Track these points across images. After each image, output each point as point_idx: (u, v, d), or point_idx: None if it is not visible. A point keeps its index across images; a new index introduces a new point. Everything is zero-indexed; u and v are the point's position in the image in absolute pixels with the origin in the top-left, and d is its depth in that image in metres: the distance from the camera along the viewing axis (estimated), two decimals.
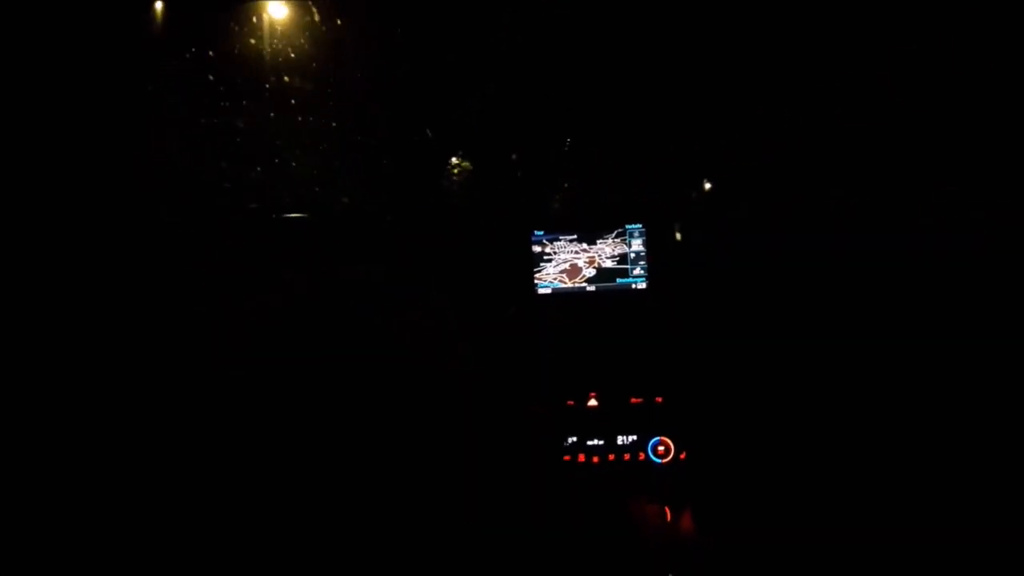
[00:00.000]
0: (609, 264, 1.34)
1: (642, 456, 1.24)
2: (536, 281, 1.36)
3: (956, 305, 1.26)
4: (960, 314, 1.25)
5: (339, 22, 1.52)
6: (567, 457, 1.26)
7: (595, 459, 1.25)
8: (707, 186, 1.68)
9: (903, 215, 1.42)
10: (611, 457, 1.25)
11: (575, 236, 1.34)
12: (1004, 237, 1.28)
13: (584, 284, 1.34)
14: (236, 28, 1.46)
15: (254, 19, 1.46)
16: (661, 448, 1.23)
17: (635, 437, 1.24)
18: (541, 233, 1.35)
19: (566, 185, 1.63)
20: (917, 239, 1.36)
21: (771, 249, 1.46)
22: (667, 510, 1.21)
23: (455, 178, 1.71)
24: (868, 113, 1.46)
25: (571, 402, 1.27)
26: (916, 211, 1.41)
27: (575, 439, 1.26)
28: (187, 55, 1.41)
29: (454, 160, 1.70)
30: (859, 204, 1.49)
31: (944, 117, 1.39)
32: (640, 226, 1.32)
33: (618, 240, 1.33)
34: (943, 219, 1.36)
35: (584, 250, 1.34)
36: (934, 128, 1.41)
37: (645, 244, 1.32)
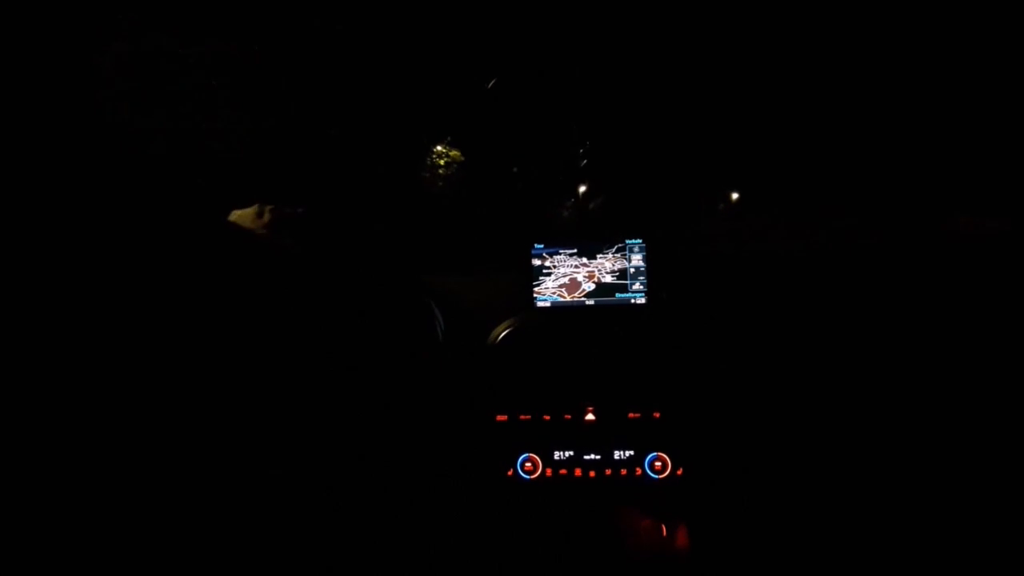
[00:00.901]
0: (609, 279, 1.34)
1: (639, 471, 1.24)
2: (535, 295, 1.36)
3: (971, 318, 1.26)
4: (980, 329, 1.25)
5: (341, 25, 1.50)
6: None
7: (591, 473, 1.25)
8: (707, 200, 1.69)
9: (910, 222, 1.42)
10: (607, 472, 1.25)
11: (575, 250, 1.35)
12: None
13: (583, 299, 1.35)
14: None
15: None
16: (658, 464, 1.23)
17: (632, 452, 1.25)
18: (541, 246, 1.36)
19: (567, 199, 1.63)
20: (928, 247, 1.36)
21: (769, 262, 1.47)
22: (663, 526, 1.21)
23: (451, 180, 1.67)
24: (873, 119, 1.47)
25: (568, 415, 1.27)
26: (935, 217, 1.41)
27: (571, 453, 1.26)
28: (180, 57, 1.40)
29: (440, 148, 1.65)
30: (863, 214, 1.50)
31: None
32: (640, 241, 1.33)
33: (618, 255, 1.34)
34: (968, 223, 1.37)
35: (584, 264, 1.35)
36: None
37: (645, 259, 1.33)
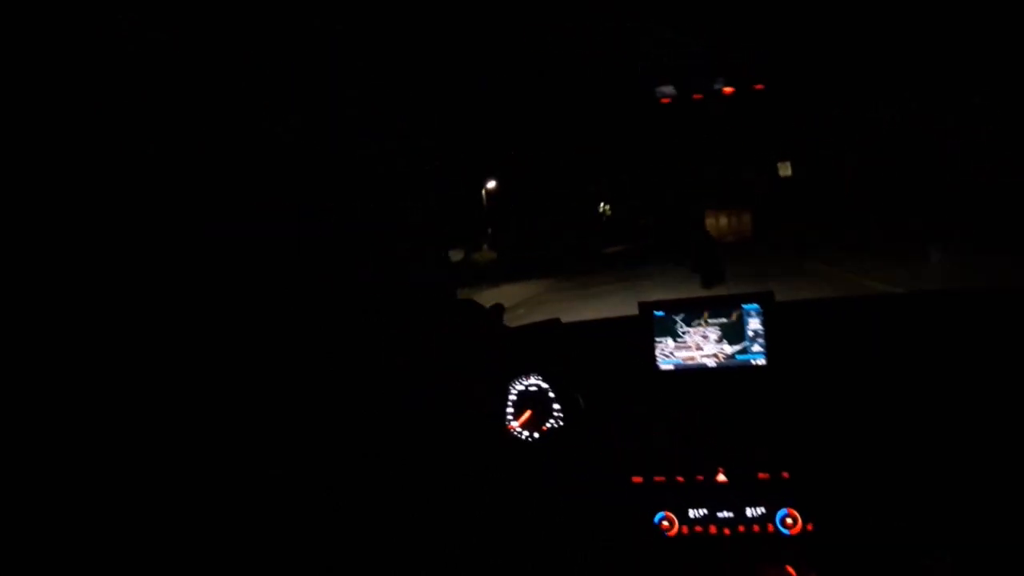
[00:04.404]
0: (728, 343, 1.41)
1: (771, 528, 1.32)
2: (658, 359, 1.43)
3: None
4: None
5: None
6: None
7: (726, 531, 1.34)
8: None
9: None
10: (741, 528, 1.33)
11: (694, 316, 1.41)
12: None
13: (705, 361, 1.42)
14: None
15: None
16: (789, 520, 1.32)
17: (764, 510, 1.33)
18: (662, 313, 1.43)
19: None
20: None
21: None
22: (791, 570, 1.30)
23: None
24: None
25: (700, 477, 1.35)
26: None
27: (705, 511, 1.35)
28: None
29: None
30: None
31: None
32: (757, 306, 1.39)
33: (736, 320, 1.40)
34: None
35: (702, 327, 1.41)
36: None
37: (763, 323, 1.39)
